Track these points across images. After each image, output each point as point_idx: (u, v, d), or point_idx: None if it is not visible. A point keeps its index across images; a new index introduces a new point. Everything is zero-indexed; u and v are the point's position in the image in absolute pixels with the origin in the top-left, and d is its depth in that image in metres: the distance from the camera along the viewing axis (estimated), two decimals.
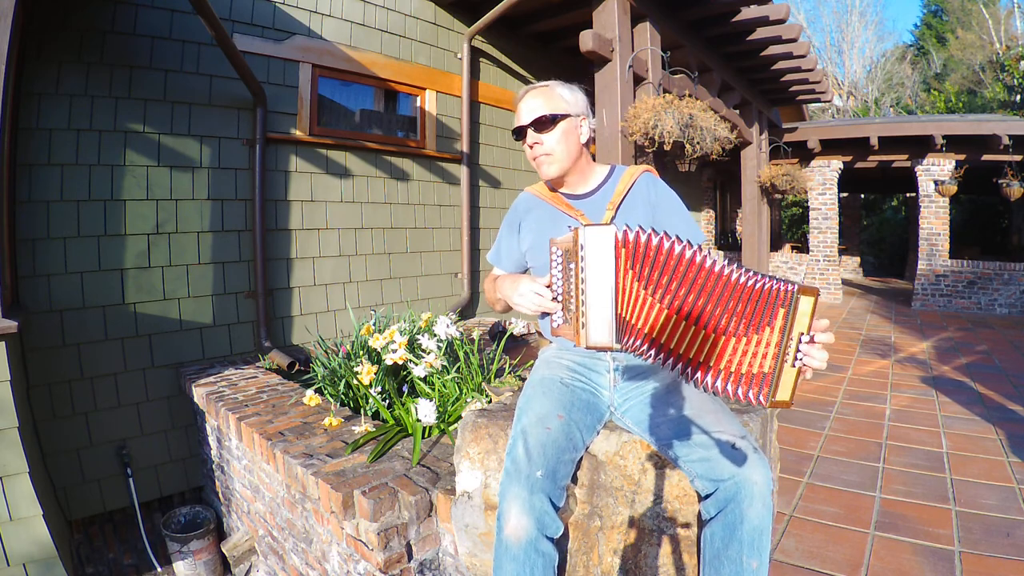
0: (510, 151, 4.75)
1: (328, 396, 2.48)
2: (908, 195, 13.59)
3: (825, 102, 9.57)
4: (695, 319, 1.07)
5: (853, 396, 4.06)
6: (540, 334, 1.72)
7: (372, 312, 3.29)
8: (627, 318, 1.12)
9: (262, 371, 2.90)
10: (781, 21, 4.41)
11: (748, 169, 7.20)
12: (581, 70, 4.21)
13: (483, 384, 2.19)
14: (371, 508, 1.48)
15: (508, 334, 2.47)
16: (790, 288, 1.02)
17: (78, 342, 2.62)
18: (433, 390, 2.18)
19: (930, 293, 8.05)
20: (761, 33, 4.81)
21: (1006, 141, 7.08)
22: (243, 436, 2.16)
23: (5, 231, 2.26)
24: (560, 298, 1.26)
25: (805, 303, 1.03)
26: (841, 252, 11.65)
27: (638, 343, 1.12)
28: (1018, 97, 13.48)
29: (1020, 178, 7.41)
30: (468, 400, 2.08)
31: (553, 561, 1.13)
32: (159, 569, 2.72)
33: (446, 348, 2.46)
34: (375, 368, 2.04)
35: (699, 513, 1.20)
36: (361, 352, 2.60)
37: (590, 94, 1.56)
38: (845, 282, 11.22)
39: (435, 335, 2.27)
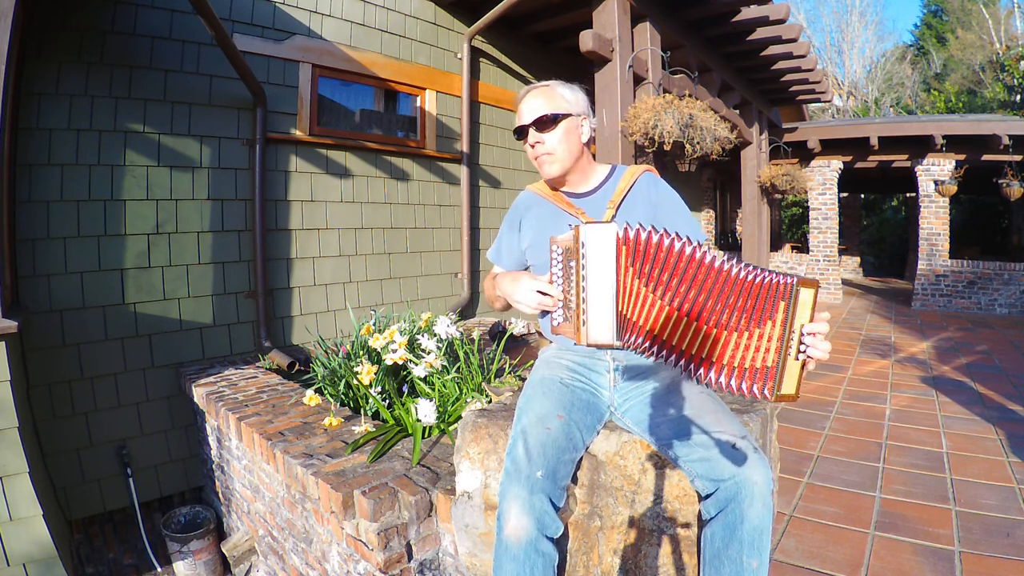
0: (510, 151, 4.75)
1: (328, 396, 2.48)
2: (908, 195, 13.59)
3: (825, 102, 9.57)
4: (696, 315, 1.08)
5: (853, 396, 4.06)
6: (540, 334, 1.72)
7: (372, 312, 3.29)
8: (628, 315, 1.12)
9: (262, 371, 2.90)
10: (781, 21, 4.41)
11: (748, 169, 7.21)
12: (581, 70, 4.21)
13: (483, 384, 2.19)
14: (371, 508, 1.48)
15: (508, 334, 2.47)
16: (790, 281, 1.03)
17: (78, 342, 2.62)
18: (433, 390, 2.18)
19: (930, 293, 8.05)
20: (761, 33, 4.81)
21: (1006, 141, 7.08)
22: (243, 436, 2.16)
23: (5, 231, 2.26)
24: (560, 296, 1.26)
25: (806, 295, 1.03)
26: (841, 252, 11.65)
27: (639, 340, 1.12)
28: (1018, 97, 13.48)
29: (1020, 178, 7.41)
30: (468, 400, 2.08)
31: (553, 561, 1.13)
32: (159, 569, 2.72)
33: (446, 348, 2.46)
34: (375, 368, 2.04)
35: (699, 513, 1.20)
36: (361, 352, 2.60)
37: (590, 94, 1.57)
38: (845, 282, 11.22)
39: (435, 335, 2.28)
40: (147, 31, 2.81)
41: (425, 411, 1.84)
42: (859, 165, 8.70)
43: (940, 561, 2.04)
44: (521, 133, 1.45)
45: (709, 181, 10.81)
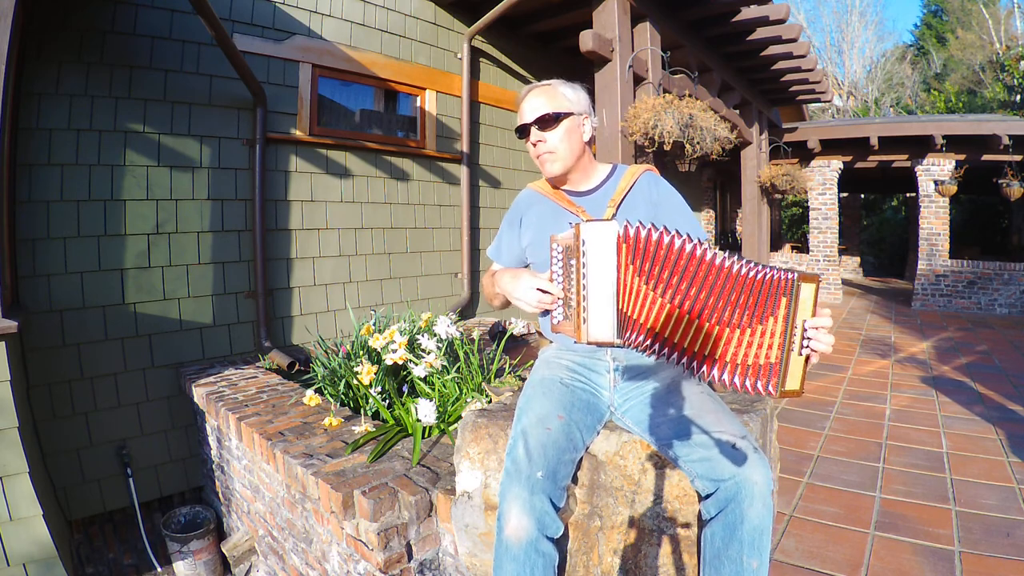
0: (510, 151, 4.75)
1: (328, 396, 2.48)
2: (908, 195, 13.59)
3: (825, 102, 9.57)
4: (698, 312, 1.08)
5: (853, 396, 4.06)
6: (540, 334, 1.72)
7: (372, 312, 3.29)
8: (628, 313, 1.12)
9: (262, 371, 2.90)
10: (781, 21, 4.41)
11: (748, 169, 7.20)
12: (581, 70, 4.21)
13: (483, 384, 2.19)
14: (371, 508, 1.48)
15: (508, 334, 2.47)
16: (791, 276, 1.03)
17: (78, 342, 2.62)
18: (433, 390, 2.18)
19: (930, 293, 8.05)
20: (761, 33, 4.81)
21: (1006, 141, 7.08)
22: (243, 436, 2.16)
23: (5, 231, 2.26)
24: (560, 294, 1.26)
25: (807, 290, 1.03)
26: (841, 252, 11.65)
27: (640, 338, 1.12)
28: (1018, 97, 13.48)
29: (1020, 178, 7.41)
30: (468, 400, 2.08)
31: (553, 561, 1.13)
32: (159, 569, 2.72)
33: (446, 348, 2.46)
34: (375, 368, 2.04)
35: (699, 513, 1.20)
36: (361, 352, 2.60)
37: (590, 94, 1.57)
38: (845, 282, 11.22)
39: (435, 335, 2.28)
40: (147, 31, 2.81)
41: (425, 411, 1.84)
42: (859, 165, 8.70)
43: (940, 561, 2.04)
44: (523, 132, 1.45)
45: (709, 181, 10.81)
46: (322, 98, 3.56)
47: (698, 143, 3.55)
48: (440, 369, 2.15)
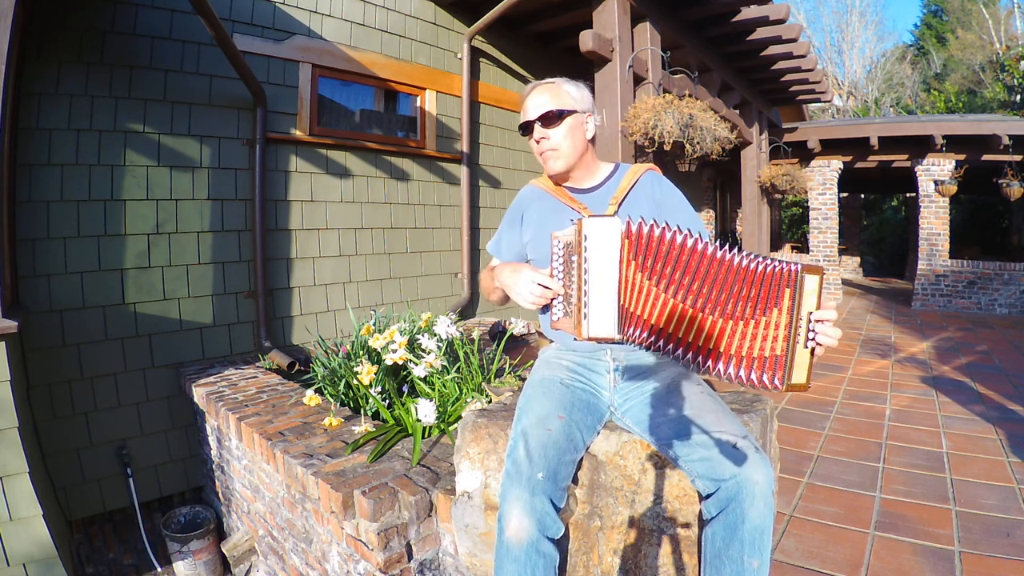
0: (510, 151, 4.75)
1: (328, 396, 2.48)
2: (908, 195, 13.59)
3: (825, 102, 9.57)
4: (701, 307, 1.08)
5: (853, 396, 4.06)
6: (540, 334, 1.72)
7: (372, 312, 3.29)
8: (630, 309, 1.12)
9: (262, 371, 2.90)
10: (781, 21, 4.41)
11: (748, 169, 7.20)
12: (581, 70, 4.21)
13: (483, 384, 2.19)
14: (371, 508, 1.48)
15: (508, 334, 2.47)
16: (794, 268, 1.03)
17: (78, 342, 2.62)
18: (433, 390, 2.18)
19: (930, 293, 8.05)
20: (761, 33, 4.81)
21: (1006, 141, 7.08)
22: (243, 436, 2.16)
23: (5, 231, 2.26)
24: (560, 290, 1.26)
25: (811, 282, 1.03)
26: (841, 252, 11.65)
27: (643, 334, 1.12)
28: (1018, 97, 13.48)
29: (1020, 178, 7.41)
30: (468, 400, 2.08)
31: (554, 562, 1.13)
32: (159, 569, 2.72)
33: (446, 348, 2.46)
34: (375, 368, 2.04)
35: (700, 513, 1.20)
36: (361, 352, 2.60)
37: (591, 93, 1.57)
38: (845, 282, 11.22)
39: (435, 335, 2.27)
40: (147, 31, 2.81)
41: (425, 411, 1.84)
42: (859, 165, 8.70)
43: (940, 561, 2.04)
44: (526, 129, 1.45)
45: (709, 181, 10.81)
46: (322, 98, 3.56)
47: (698, 143, 3.55)
48: (440, 369, 2.15)
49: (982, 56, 17.08)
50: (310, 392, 2.22)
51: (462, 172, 4.28)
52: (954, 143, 7.70)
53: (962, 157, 7.78)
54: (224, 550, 2.55)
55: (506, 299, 1.51)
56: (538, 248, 1.49)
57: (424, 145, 4.09)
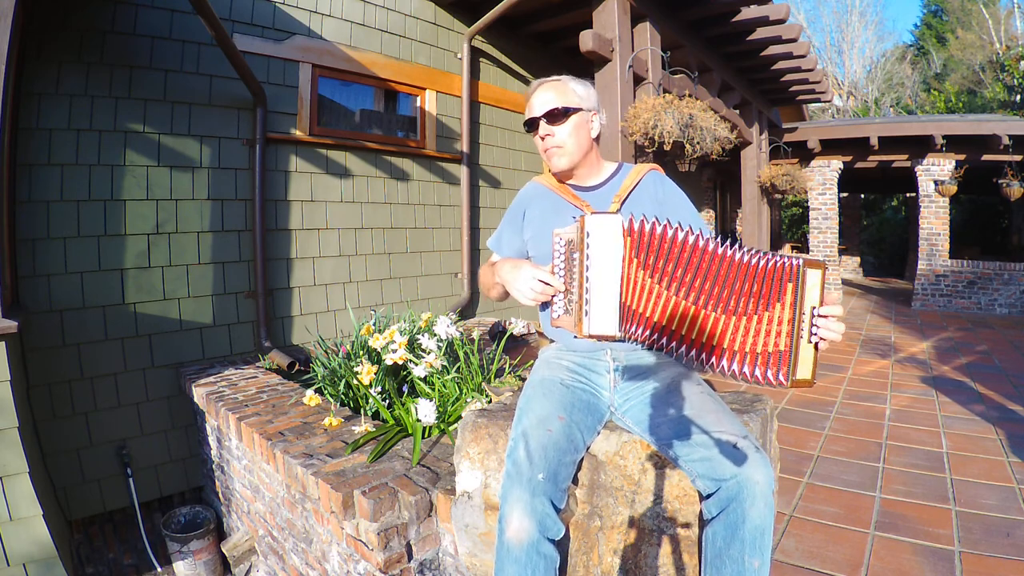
0: (510, 151, 4.75)
1: (328, 396, 2.48)
2: (908, 195, 13.59)
3: (825, 102, 9.57)
4: (704, 303, 1.07)
5: (853, 396, 4.06)
6: (540, 334, 1.72)
7: (372, 312, 3.29)
8: (632, 306, 1.12)
9: (262, 371, 2.90)
10: (781, 21, 4.41)
11: (748, 169, 7.20)
12: (581, 70, 4.19)
13: (483, 384, 2.19)
14: (371, 508, 1.48)
15: (508, 334, 2.47)
16: (796, 263, 1.02)
17: (78, 342, 2.62)
18: (433, 390, 2.18)
19: (930, 293, 8.05)
20: (761, 33, 4.81)
21: (1006, 141, 7.08)
22: (243, 436, 2.16)
23: (5, 231, 2.26)
24: (561, 287, 1.26)
25: (813, 276, 1.03)
26: (841, 252, 11.64)
27: (644, 332, 1.11)
28: (1018, 97, 13.48)
29: (1020, 178, 7.41)
30: (468, 400, 2.08)
31: (554, 562, 1.13)
32: (159, 569, 2.72)
33: (446, 348, 2.46)
34: (375, 368, 2.04)
35: (700, 513, 1.20)
36: (361, 352, 2.60)
37: None
38: (845, 282, 11.22)
39: (435, 335, 2.27)
40: (147, 31, 2.81)
41: (425, 411, 1.84)
42: (859, 165, 8.70)
43: (940, 561, 2.04)
44: (532, 125, 1.45)
45: (709, 181, 10.81)
46: (322, 98, 3.56)
47: (698, 143, 3.55)
48: (440, 369, 2.15)
49: (982, 56, 17.08)
50: (310, 392, 2.22)
51: (462, 172, 4.28)
52: (954, 143, 7.70)
53: (962, 157, 7.78)
54: (224, 550, 2.55)
55: (506, 295, 1.50)
56: (539, 245, 1.49)
57: (424, 145, 4.09)
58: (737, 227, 12.66)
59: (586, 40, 3.46)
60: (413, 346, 2.36)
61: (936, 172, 7.89)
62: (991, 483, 2.64)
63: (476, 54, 4.38)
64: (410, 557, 1.56)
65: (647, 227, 1.10)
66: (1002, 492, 2.55)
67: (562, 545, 1.22)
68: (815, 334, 1.03)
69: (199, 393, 2.58)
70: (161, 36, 2.85)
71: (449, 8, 4.22)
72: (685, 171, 4.07)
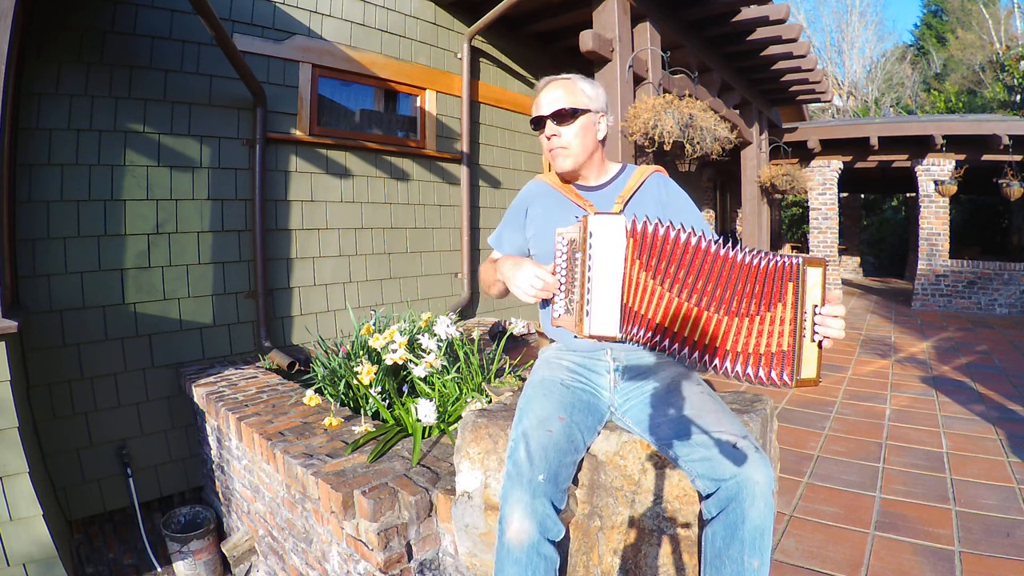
0: (510, 151, 4.75)
1: (328, 396, 2.48)
2: (908, 195, 13.59)
3: (825, 102, 9.57)
4: (706, 305, 1.08)
5: (853, 396, 4.06)
6: (540, 334, 1.72)
7: (372, 312, 3.29)
8: (633, 307, 1.12)
9: (262, 371, 2.90)
10: (781, 21, 4.41)
11: (748, 169, 7.20)
12: (581, 70, 4.18)
13: (483, 384, 2.19)
14: (371, 508, 1.48)
15: (508, 334, 2.47)
16: (796, 261, 1.03)
17: (78, 342, 2.62)
18: (433, 390, 2.18)
19: (930, 293, 8.05)
20: (761, 33, 4.81)
21: (1006, 141, 7.08)
22: (243, 436, 2.16)
23: (5, 231, 2.26)
24: (563, 287, 1.26)
25: (813, 275, 1.03)
26: (841, 252, 11.65)
27: (646, 333, 1.11)
28: (1018, 97, 13.48)
29: (1020, 178, 7.41)
30: (468, 400, 2.08)
31: (555, 563, 1.13)
32: (159, 569, 2.72)
33: (446, 348, 2.46)
34: (375, 368, 2.04)
35: (700, 513, 1.20)
36: (361, 352, 2.60)
37: None
38: (845, 282, 11.22)
39: (435, 335, 2.27)
40: (147, 31, 2.81)
41: (425, 411, 1.84)
42: (859, 165, 8.70)
43: (940, 561, 2.04)
44: (538, 124, 1.44)
45: (709, 181, 10.81)
46: (322, 98, 3.56)
47: (698, 143, 3.55)
48: (440, 369, 2.15)
49: (982, 56, 17.07)
50: (310, 392, 2.22)
51: (462, 172, 4.28)
52: (954, 143, 7.70)
53: (962, 157, 7.78)
54: (224, 550, 2.55)
55: (506, 292, 1.50)
56: (541, 244, 1.49)
57: (424, 145, 4.09)
58: (737, 227, 12.66)
59: (586, 40, 3.46)
60: (413, 346, 2.36)
61: (936, 172, 7.89)
62: (991, 483, 2.64)
63: (476, 54, 4.38)
64: (410, 557, 1.56)
65: (650, 228, 1.10)
66: (1002, 492, 2.55)
67: (562, 546, 1.22)
68: (818, 332, 1.03)
69: (199, 393, 2.58)
70: (161, 36, 2.85)
71: (449, 8, 4.22)
72: (685, 171, 4.07)
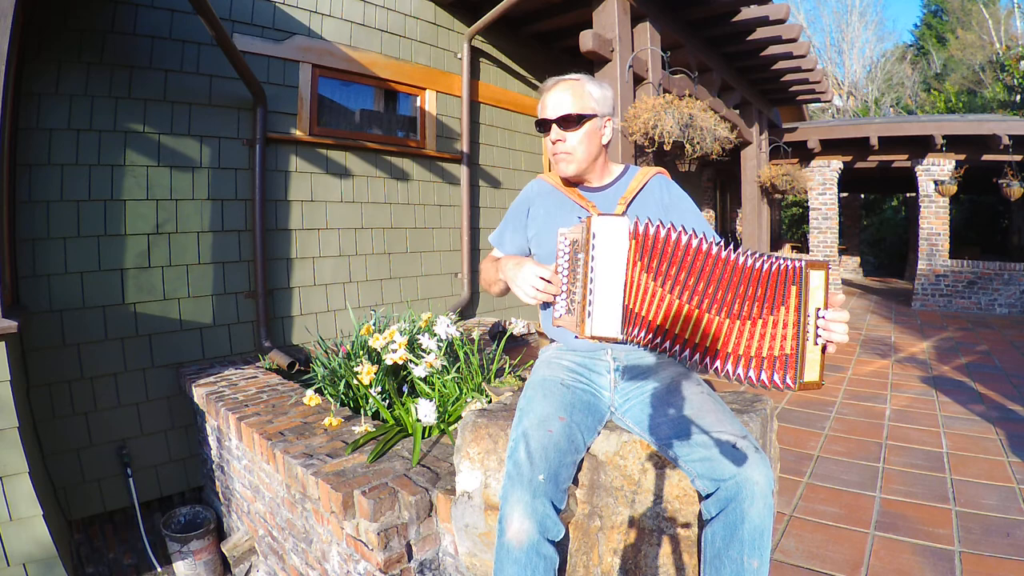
0: (510, 151, 4.75)
1: (328, 396, 2.48)
2: (908, 195, 13.59)
3: (825, 102, 9.57)
4: (708, 308, 1.08)
5: (853, 396, 4.06)
6: (540, 334, 1.72)
7: (372, 312, 3.29)
8: (635, 309, 1.12)
9: (262, 371, 2.90)
10: (781, 21, 4.41)
11: (748, 169, 7.21)
12: (581, 70, 4.19)
13: (483, 384, 2.19)
14: (371, 508, 1.48)
15: (508, 334, 2.47)
16: (799, 265, 1.03)
17: (78, 342, 2.62)
18: (433, 390, 2.18)
19: (930, 293, 8.05)
20: (761, 33, 4.82)
21: (1006, 141, 7.08)
22: (243, 436, 2.16)
23: (5, 231, 2.26)
24: (564, 287, 1.26)
25: (816, 278, 1.03)
26: (841, 252, 11.65)
27: (647, 335, 1.12)
28: (1018, 97, 13.48)
29: (1020, 178, 7.41)
30: (468, 400, 2.08)
31: (554, 563, 1.13)
32: (159, 569, 2.72)
33: (446, 348, 2.46)
34: (375, 368, 2.04)
35: (699, 513, 1.20)
36: (361, 352, 2.60)
37: None
38: (845, 282, 11.22)
39: (435, 335, 2.27)
40: (147, 31, 2.81)
41: (425, 411, 1.84)
42: (859, 165, 8.70)
43: (940, 561, 2.04)
44: (543, 126, 1.43)
45: (709, 181, 10.81)
46: (322, 98, 3.56)
47: (698, 143, 3.55)
48: (440, 369, 2.15)
49: (982, 56, 17.08)
50: (310, 392, 2.22)
51: (462, 172, 4.28)
52: (954, 143, 7.70)
53: (962, 157, 7.78)
54: (224, 550, 2.55)
55: (507, 291, 1.50)
56: (543, 243, 1.49)
57: (424, 145, 4.09)
58: (737, 227, 12.66)
59: (586, 40, 3.46)
60: (413, 346, 2.36)
61: (936, 172, 7.89)
62: (991, 483, 2.64)
63: (476, 54, 4.38)
64: (410, 557, 1.56)
65: (652, 231, 1.10)
66: (1002, 492, 2.55)
67: (562, 546, 1.22)
68: (821, 336, 1.03)
69: (199, 393, 2.58)
70: (161, 36, 2.85)
71: (449, 8, 4.22)
72: (685, 171, 4.07)
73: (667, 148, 3.56)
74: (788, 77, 6.18)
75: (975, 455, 2.97)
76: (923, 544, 2.15)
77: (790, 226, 16.36)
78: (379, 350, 2.29)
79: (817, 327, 1.03)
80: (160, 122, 2.86)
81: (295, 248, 3.39)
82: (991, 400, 3.93)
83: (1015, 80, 13.45)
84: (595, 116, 1.41)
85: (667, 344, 1.11)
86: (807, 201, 9.90)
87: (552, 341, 1.58)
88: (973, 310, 7.83)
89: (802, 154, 8.56)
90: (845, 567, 2.02)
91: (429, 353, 2.12)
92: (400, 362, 2.05)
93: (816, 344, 1.03)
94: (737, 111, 6.34)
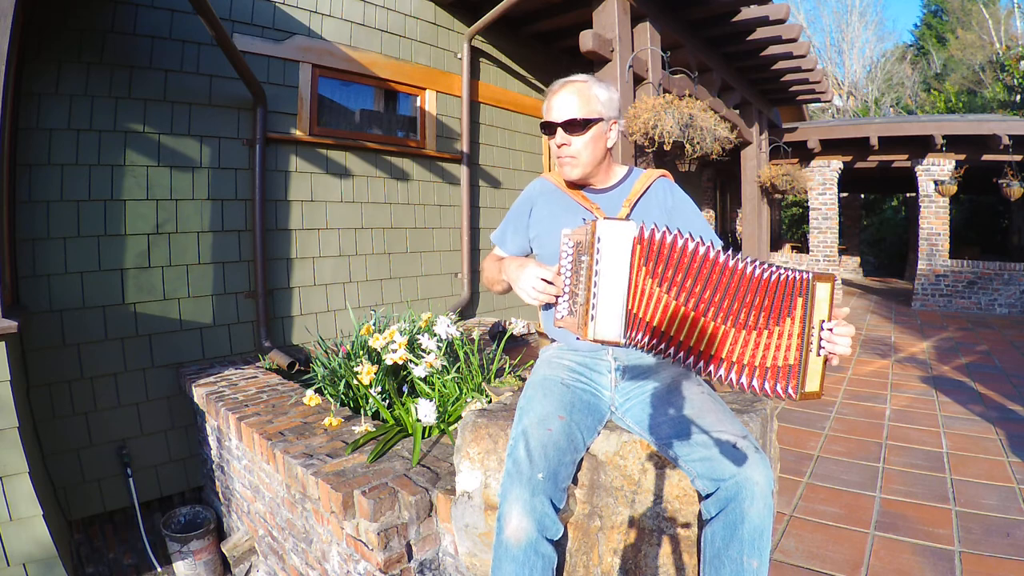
0: (510, 151, 4.75)
1: (328, 396, 2.48)
2: (908, 195, 13.59)
3: (825, 102, 9.57)
4: (713, 316, 1.08)
5: (853, 396, 4.06)
6: (540, 334, 1.72)
7: (372, 312, 3.29)
8: (637, 313, 1.12)
9: (262, 371, 2.90)
10: (781, 21, 4.41)
11: (748, 169, 7.20)
12: (581, 70, 4.19)
13: (483, 384, 2.19)
14: (371, 508, 1.48)
15: (508, 334, 2.47)
16: (805, 277, 1.03)
17: (78, 342, 2.62)
18: (433, 390, 2.18)
19: (930, 293, 8.05)
20: (761, 33, 4.81)
21: (1006, 141, 7.07)
22: (243, 436, 2.16)
23: (5, 231, 2.26)
24: (567, 289, 1.26)
25: (822, 290, 1.03)
26: (841, 252, 11.65)
27: (649, 339, 1.12)
28: (1018, 97, 13.48)
29: (1020, 178, 7.41)
30: (468, 400, 2.08)
31: (552, 562, 1.13)
32: (159, 569, 2.72)
33: (446, 348, 2.46)
34: (375, 368, 2.04)
35: (699, 513, 1.20)
36: (361, 352, 2.60)
37: None
38: (845, 282, 11.22)
39: (435, 335, 2.27)
40: (147, 31, 2.81)
41: (425, 411, 1.84)
42: (859, 165, 8.70)
43: (940, 561, 2.04)
44: (548, 129, 1.43)
45: (709, 181, 10.81)
46: (322, 98, 3.56)
47: (698, 143, 3.55)
48: (440, 369, 2.15)
49: (982, 56, 17.07)
50: (310, 392, 2.22)
51: (462, 172, 4.28)
52: (954, 143, 7.70)
53: (962, 157, 7.78)
54: (224, 550, 2.55)
55: (509, 289, 1.50)
56: (545, 244, 1.49)
57: (424, 145, 4.09)
58: (737, 227, 12.66)
59: (586, 40, 3.46)
60: (413, 346, 2.36)
61: (936, 172, 7.89)
62: (991, 483, 2.64)
63: (476, 54, 4.38)
64: (410, 557, 1.56)
65: (657, 236, 1.10)
66: (1002, 492, 2.55)
67: (560, 545, 1.22)
68: (824, 347, 1.03)
69: (199, 393, 2.58)
70: (161, 36, 2.85)
71: (449, 8, 4.22)
72: (685, 171, 4.07)
73: (667, 148, 3.56)
74: (788, 77, 6.18)
75: (975, 455, 2.97)
76: (923, 544, 2.15)
77: (790, 226, 16.36)
78: (379, 350, 2.29)
79: (821, 339, 1.03)
80: (160, 122, 2.86)
81: (295, 248, 3.39)
82: (991, 400, 3.93)
83: (1015, 80, 13.45)
84: (601, 120, 1.40)
85: (670, 350, 1.11)
86: (807, 201, 9.90)
87: (553, 341, 1.58)
88: (973, 310, 7.83)
89: (802, 154, 8.56)
90: (845, 567, 2.02)
91: (429, 353, 2.12)
92: (400, 362, 2.05)
93: (819, 355, 1.04)
94: (737, 111, 6.34)
